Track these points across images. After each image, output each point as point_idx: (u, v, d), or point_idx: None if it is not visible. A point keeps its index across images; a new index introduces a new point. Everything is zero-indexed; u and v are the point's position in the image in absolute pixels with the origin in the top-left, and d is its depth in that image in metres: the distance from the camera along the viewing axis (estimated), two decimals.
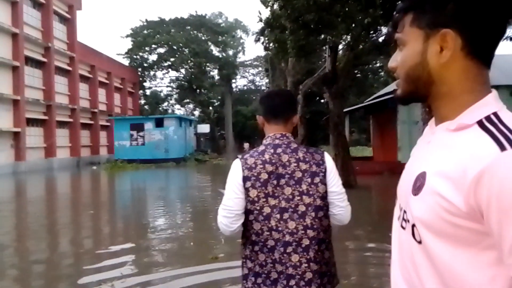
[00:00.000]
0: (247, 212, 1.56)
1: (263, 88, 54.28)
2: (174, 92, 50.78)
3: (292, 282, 1.53)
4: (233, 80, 53.02)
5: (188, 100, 51.40)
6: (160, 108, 49.82)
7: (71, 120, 28.73)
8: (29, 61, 24.67)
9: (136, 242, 5.87)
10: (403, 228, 0.75)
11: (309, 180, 1.57)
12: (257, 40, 25.51)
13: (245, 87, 57.90)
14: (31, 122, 24.44)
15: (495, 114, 0.66)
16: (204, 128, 35.62)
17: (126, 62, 44.23)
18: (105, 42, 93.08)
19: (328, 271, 1.60)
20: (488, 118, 0.65)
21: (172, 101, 52.26)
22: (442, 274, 0.66)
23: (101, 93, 34.07)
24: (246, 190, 1.55)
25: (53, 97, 26.29)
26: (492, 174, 0.59)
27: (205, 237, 5.98)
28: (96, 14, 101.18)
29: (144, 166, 23.21)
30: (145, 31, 44.31)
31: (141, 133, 26.46)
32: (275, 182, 1.56)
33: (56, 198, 12.07)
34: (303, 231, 1.55)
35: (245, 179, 1.55)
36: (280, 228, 1.54)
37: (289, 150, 1.61)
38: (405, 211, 0.75)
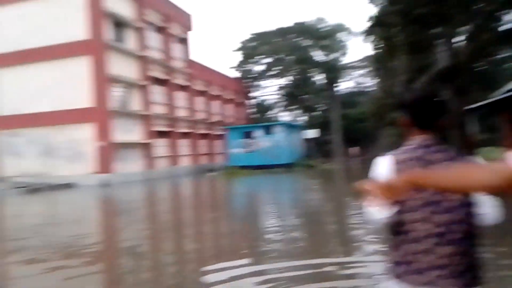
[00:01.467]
0: (395, 204, 1.59)
1: (371, 89, 52.33)
2: (280, 100, 51.99)
3: (440, 273, 1.57)
4: (339, 83, 52.17)
5: (294, 107, 52.10)
6: (268, 116, 51.43)
7: (190, 131, 31.55)
8: (154, 80, 27.81)
9: (255, 244, 6.22)
10: None
11: None
12: (364, 40, 24.78)
13: (352, 90, 56.48)
14: (158, 134, 27.46)
15: None
16: (312, 133, 35.72)
17: (236, 74, 46.92)
18: (219, 58, 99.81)
19: (475, 267, 1.61)
20: None
21: (279, 108, 53.52)
22: None
23: (215, 105, 36.74)
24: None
25: (175, 111, 29.22)
26: None
27: (319, 238, 6.07)
28: (210, 32, 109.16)
29: (256, 172, 24.25)
30: (252, 43, 46.40)
31: (252, 141, 27.70)
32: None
33: (184, 201, 13.39)
34: (451, 225, 1.59)
35: (395, 172, 1.62)
36: (428, 220, 1.60)
37: (437, 150, 1.66)
38: None
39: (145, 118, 26.12)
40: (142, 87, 26.25)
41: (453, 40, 13.03)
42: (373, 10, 22.40)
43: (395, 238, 1.67)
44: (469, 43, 12.49)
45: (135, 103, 25.64)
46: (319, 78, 49.64)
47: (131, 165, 24.36)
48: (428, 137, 1.69)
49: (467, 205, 1.59)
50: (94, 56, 22.74)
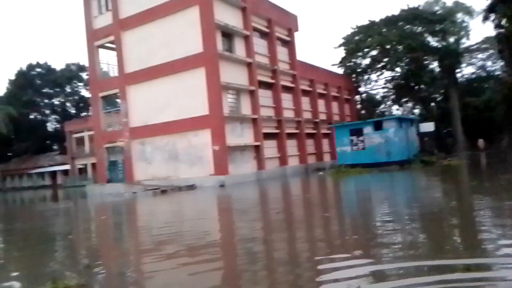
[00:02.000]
0: None
1: (497, 73, 46.42)
2: (390, 93, 49.33)
3: None
4: (458, 70, 47.40)
5: (406, 99, 48.96)
6: (378, 111, 49.24)
7: (297, 131, 31.94)
8: (261, 84, 28.84)
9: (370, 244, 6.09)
10: None
11: None
12: (485, 19, 22.22)
13: (474, 75, 50.78)
14: (266, 136, 28.41)
15: None
16: (428, 126, 33.04)
17: (340, 71, 45.95)
18: (321, 56, 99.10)
19: None
20: None
21: (389, 102, 50.83)
22: None
23: (321, 104, 36.54)
24: None
25: (281, 112, 29.90)
26: None
27: (445, 243, 5.68)
28: (311, 31, 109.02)
29: (367, 170, 23.44)
30: (357, 37, 44.93)
31: (360, 138, 26.84)
32: None
33: (296, 200, 13.68)
34: None
35: None
36: None
37: None
38: None
39: (255, 121, 27.25)
40: (251, 92, 27.45)
41: None
42: None
43: None
44: None
45: (245, 108, 26.94)
46: (434, 66, 45.84)
47: (243, 167, 25.68)
48: None
49: None
50: (208, 67, 24.58)
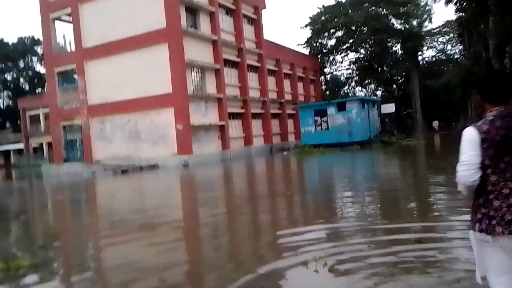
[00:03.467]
0: (484, 167, 1.95)
1: (455, 56, 48.07)
2: (354, 74, 50.05)
3: None
4: (419, 53, 48.65)
5: (369, 81, 49.88)
6: (342, 92, 49.92)
7: (262, 111, 31.85)
8: (227, 62, 28.34)
9: (326, 221, 6.14)
10: None
11: None
12: (447, 2, 22.65)
13: (434, 58, 52.33)
14: (231, 115, 28.14)
15: None
16: (389, 108, 33.94)
17: (306, 51, 45.98)
18: (287, 35, 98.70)
19: None
20: None
21: (353, 84, 51.61)
22: None
23: (286, 84, 36.53)
24: (484, 149, 1.94)
25: (247, 92, 29.64)
26: None
27: (400, 220, 5.81)
28: (277, 9, 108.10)
29: (330, 150, 23.84)
30: (323, 18, 44.91)
31: (324, 118, 27.16)
32: (506, 143, 1.93)
33: (258, 178, 13.69)
34: None
35: (483, 141, 1.94)
36: None
37: None
38: None
39: (220, 101, 26.87)
40: (216, 71, 26.94)
41: None
42: None
43: (483, 197, 1.97)
44: None
45: (210, 87, 26.46)
46: (397, 48, 46.76)
47: (208, 147, 25.41)
48: (503, 109, 1.99)
49: None
50: (171, 43, 23.78)
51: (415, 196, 8.16)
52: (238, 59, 29.45)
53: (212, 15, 27.02)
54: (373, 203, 7.70)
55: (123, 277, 4.16)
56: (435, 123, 38.77)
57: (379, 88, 50.55)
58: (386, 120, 37.37)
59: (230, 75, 28.80)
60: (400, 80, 48.49)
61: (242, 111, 29.38)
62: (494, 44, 16.66)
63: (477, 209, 1.99)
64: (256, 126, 30.99)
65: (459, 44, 44.07)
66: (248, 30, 31.43)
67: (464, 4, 15.55)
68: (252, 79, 31.23)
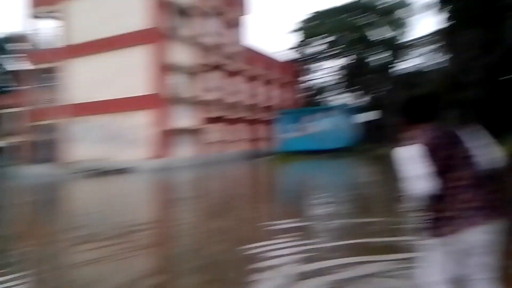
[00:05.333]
0: (433, 175, 2.08)
1: (435, 67, 48.88)
2: (336, 82, 50.38)
3: (481, 213, 2.06)
4: (400, 63, 49.33)
5: (351, 89, 50.27)
6: (322, 99, 50.15)
7: (242, 116, 31.64)
8: (208, 66, 27.90)
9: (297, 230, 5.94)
10: None
11: (471, 143, 2.18)
12: (426, 15, 22.82)
13: (414, 69, 53.15)
14: (210, 120, 27.79)
15: None
16: (369, 116, 34.23)
17: (291, 57, 46.07)
18: (270, 41, 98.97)
19: (497, 205, 2.11)
20: None
21: (335, 91, 51.93)
22: None
23: (266, 90, 36.46)
24: (432, 157, 2.09)
25: (227, 96, 29.43)
26: None
27: (366, 225, 5.67)
28: (263, 14, 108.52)
29: (309, 157, 23.76)
30: (306, 25, 45.14)
31: (303, 125, 27.14)
32: (449, 149, 2.13)
33: (236, 184, 13.42)
34: (477, 175, 2.12)
35: (427, 151, 2.10)
36: (460, 179, 2.10)
37: (448, 129, 2.21)
38: None
39: (199, 104, 26.55)
40: (198, 74, 26.64)
41: None
42: None
43: (436, 202, 2.10)
44: None
45: (191, 90, 26.12)
46: (379, 57, 47.28)
47: (184, 150, 25.01)
48: (432, 125, 2.19)
49: (483, 156, 2.15)
50: (154, 44, 23.41)
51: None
52: (219, 63, 29.21)
53: (196, 18, 26.75)
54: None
55: None
56: (408, 134, 39.27)
57: (361, 97, 50.97)
58: (367, 128, 37.62)
59: (212, 79, 28.54)
60: (381, 89, 49.02)
61: (221, 115, 29.11)
62: (468, 57, 16.90)
63: (436, 215, 2.14)
64: (235, 131, 30.74)
65: (437, 56, 44.83)
66: (234, 34, 31.25)
67: (442, 17, 15.74)
68: (233, 83, 31.03)
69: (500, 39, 16.15)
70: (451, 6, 13.27)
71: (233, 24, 31.54)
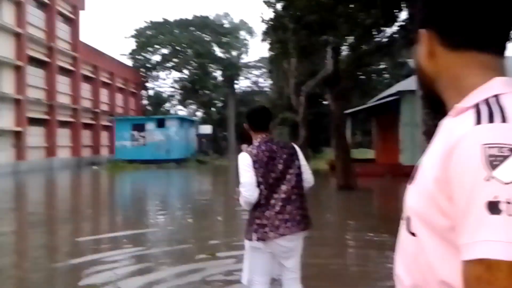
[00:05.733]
0: (258, 184, 2.35)
1: (266, 89, 54.14)
2: (177, 93, 50.74)
3: (289, 224, 2.37)
4: (236, 81, 52.89)
5: (190, 101, 51.31)
6: (163, 109, 49.77)
7: (72, 120, 28.74)
8: (32, 61, 24.68)
9: (133, 241, 5.77)
10: (403, 222, 0.70)
11: (290, 159, 2.49)
12: (262, 40, 25.39)
13: (249, 88, 57.71)
14: (32, 121, 24.42)
15: (495, 96, 0.61)
16: (206, 129, 35.50)
17: (129, 62, 44.30)
18: (108, 43, 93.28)
19: (307, 215, 2.51)
20: (485, 100, 0.60)
21: (175, 102, 52.20)
22: (425, 265, 0.61)
23: (104, 94, 34.12)
24: (256, 169, 2.37)
25: (55, 97, 26.33)
26: (458, 148, 0.56)
27: (204, 234, 5.89)
28: (100, 14, 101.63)
29: (145, 167, 23.15)
30: (149, 32, 44.34)
31: (142, 134, 26.41)
32: (272, 162, 2.42)
33: (56, 196, 12.01)
34: (291, 191, 2.43)
35: (254, 162, 2.38)
36: (278, 191, 2.40)
37: (275, 143, 2.52)
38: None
39: (18, 103, 23.03)
40: (17, 68, 23.12)
41: (341, 48, 13.87)
42: (269, 13, 22.95)
43: (256, 209, 2.37)
44: (351, 52, 13.50)
45: (7, 85, 22.43)
46: (217, 74, 49.65)
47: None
48: (265, 135, 2.52)
49: (298, 175, 2.48)
50: None
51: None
52: (47, 59, 26.02)
53: (18, 5, 23.30)
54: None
55: None
56: (244, 146, 42.54)
57: (199, 110, 52.48)
58: (203, 140, 38.90)
59: (35, 76, 25.14)
60: (219, 104, 51.50)
61: (47, 117, 25.88)
62: (294, 82, 19.41)
63: (253, 220, 2.38)
64: (63, 135, 27.64)
65: (269, 79, 49.81)
66: (62, 29, 28.26)
67: (272, 44, 17.65)
68: (63, 82, 27.98)
69: (317, 69, 19.06)
70: (274, 37, 15.06)
71: (64, 18, 28.60)
